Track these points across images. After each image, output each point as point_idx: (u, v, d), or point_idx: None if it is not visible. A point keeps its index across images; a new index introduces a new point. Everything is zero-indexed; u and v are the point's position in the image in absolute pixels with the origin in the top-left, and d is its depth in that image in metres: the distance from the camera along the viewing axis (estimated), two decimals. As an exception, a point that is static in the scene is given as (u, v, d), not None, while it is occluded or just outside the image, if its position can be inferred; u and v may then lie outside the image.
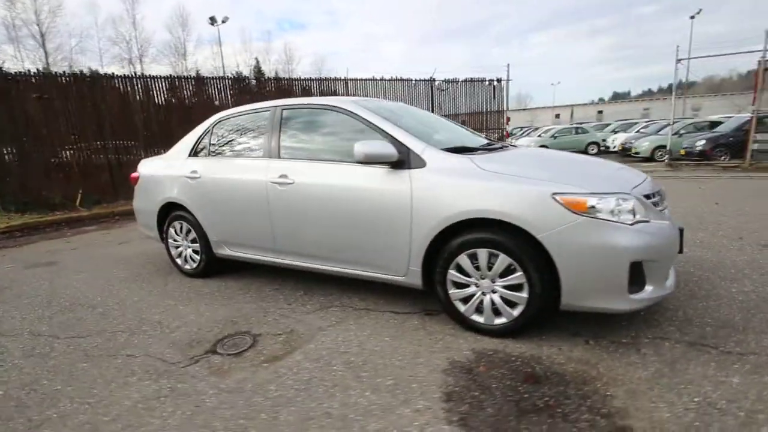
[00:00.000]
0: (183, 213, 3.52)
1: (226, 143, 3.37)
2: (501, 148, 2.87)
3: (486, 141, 3.20)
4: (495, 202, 2.11)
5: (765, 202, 5.55)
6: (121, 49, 33.08)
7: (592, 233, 1.96)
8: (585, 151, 17.32)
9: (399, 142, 2.45)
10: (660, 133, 14.75)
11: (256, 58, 40.08)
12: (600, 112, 46.75)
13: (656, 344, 2.14)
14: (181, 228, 3.58)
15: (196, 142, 3.52)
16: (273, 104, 3.13)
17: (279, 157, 2.95)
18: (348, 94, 11.14)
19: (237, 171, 3.14)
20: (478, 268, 2.25)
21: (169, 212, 3.65)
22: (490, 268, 2.22)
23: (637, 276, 1.99)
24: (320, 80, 10.80)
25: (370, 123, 2.60)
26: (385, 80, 11.56)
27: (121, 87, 8.54)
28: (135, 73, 8.95)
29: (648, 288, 2.03)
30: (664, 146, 12.36)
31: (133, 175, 3.99)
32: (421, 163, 2.38)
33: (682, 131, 13.62)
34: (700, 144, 11.42)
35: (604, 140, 17.96)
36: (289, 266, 3.07)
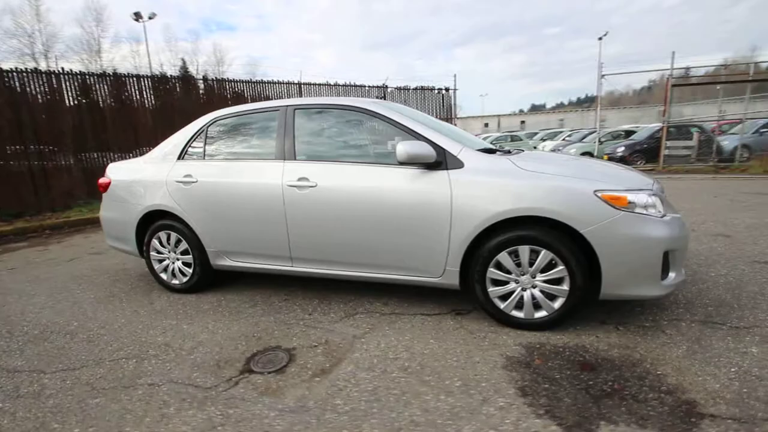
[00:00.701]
0: (171, 222, 3.17)
1: (226, 145, 3.11)
2: (516, 151, 2.99)
3: (489, 144, 3.32)
4: (542, 200, 2.20)
5: (694, 198, 6.42)
6: (22, 43, 28.93)
7: (631, 226, 2.12)
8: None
9: (433, 143, 2.46)
10: (584, 140, 16.45)
11: (183, 59, 37.47)
12: (523, 122, 50.88)
13: (675, 325, 2.37)
14: (168, 239, 3.22)
15: (187, 143, 3.20)
16: (281, 104, 2.96)
17: (294, 158, 2.79)
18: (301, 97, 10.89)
19: (243, 174, 2.91)
20: (518, 265, 2.33)
21: (151, 222, 3.27)
22: (530, 264, 2.30)
23: (665, 264, 2.20)
24: (272, 83, 10.39)
25: (400, 124, 2.57)
26: (339, 86, 11.45)
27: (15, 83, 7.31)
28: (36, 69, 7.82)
29: (671, 275, 2.25)
30: (590, 152, 13.75)
31: (102, 180, 3.51)
32: (458, 164, 2.40)
33: (602, 139, 15.28)
34: (620, 150, 12.89)
35: (535, 147, 19.50)
36: (305, 274, 2.91)
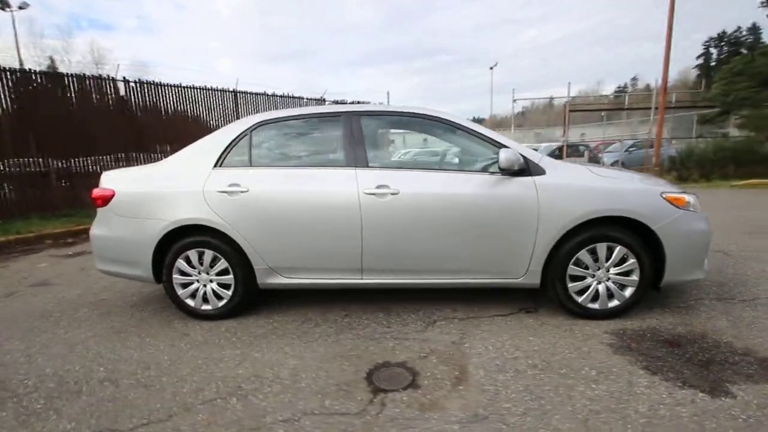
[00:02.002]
0: (205, 238, 2.76)
1: (277, 151, 2.83)
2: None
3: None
4: (622, 201, 2.50)
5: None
6: None
7: (688, 222, 2.55)
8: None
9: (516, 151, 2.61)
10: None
11: (51, 57, 31.78)
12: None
13: (702, 304, 2.86)
14: (201, 258, 2.79)
15: (226, 149, 2.82)
16: (342, 109, 2.83)
17: (367, 166, 2.68)
18: (237, 108, 10.18)
19: (307, 182, 2.68)
20: (595, 261, 2.59)
21: (175, 240, 2.80)
22: (606, 260, 2.59)
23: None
24: (205, 89, 9.50)
25: (479, 133, 2.68)
26: (276, 96, 10.99)
27: None
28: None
29: (706, 261, 2.74)
30: (504, 166, 15.44)
31: (100, 192, 2.87)
32: (540, 171, 2.59)
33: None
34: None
35: (450, 161, 21.09)
36: (376, 286, 2.78)
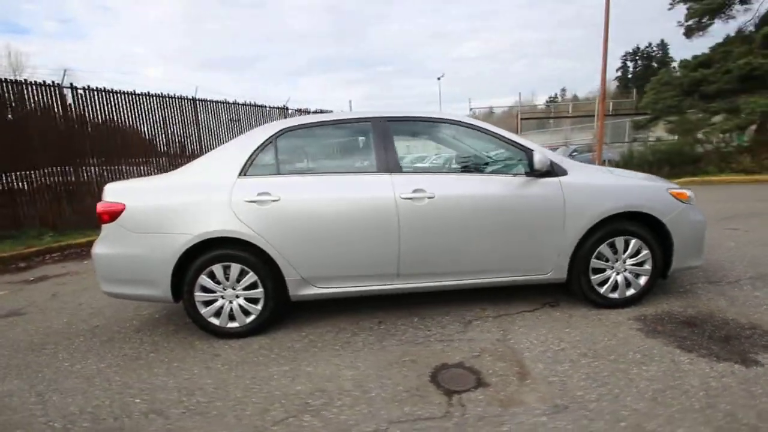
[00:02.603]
0: (232, 252, 2.61)
1: (305, 158, 2.75)
2: None
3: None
4: (637, 198, 2.74)
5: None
6: None
7: (691, 214, 2.84)
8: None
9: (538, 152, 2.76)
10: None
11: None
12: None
13: (699, 287, 3.18)
14: (226, 273, 2.63)
15: (250, 157, 2.69)
16: (369, 115, 2.81)
17: (401, 171, 2.70)
18: (197, 117, 9.67)
19: (344, 189, 2.64)
20: (614, 253, 2.80)
21: (195, 255, 2.61)
22: (623, 252, 2.80)
23: (701, 241, 2.99)
24: (161, 97, 8.90)
25: (506, 138, 2.80)
26: (238, 104, 10.58)
27: None
28: None
29: (704, 248, 3.05)
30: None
31: (106, 207, 2.60)
32: (563, 171, 2.76)
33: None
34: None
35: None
36: (411, 290, 2.79)
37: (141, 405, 2.03)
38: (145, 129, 8.71)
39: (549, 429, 1.69)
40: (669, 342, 2.36)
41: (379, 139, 2.74)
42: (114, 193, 2.69)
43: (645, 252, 2.80)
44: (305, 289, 2.70)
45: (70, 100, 7.61)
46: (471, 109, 15.33)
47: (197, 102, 9.65)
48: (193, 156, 9.59)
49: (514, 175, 2.75)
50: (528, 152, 2.73)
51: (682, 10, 13.13)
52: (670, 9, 13.49)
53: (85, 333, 2.99)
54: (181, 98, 9.34)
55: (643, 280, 2.85)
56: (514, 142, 2.80)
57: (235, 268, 2.63)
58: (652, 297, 3.00)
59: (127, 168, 8.42)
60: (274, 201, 2.59)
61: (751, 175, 9.64)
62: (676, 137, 12.22)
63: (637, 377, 2.03)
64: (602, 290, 2.83)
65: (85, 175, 7.70)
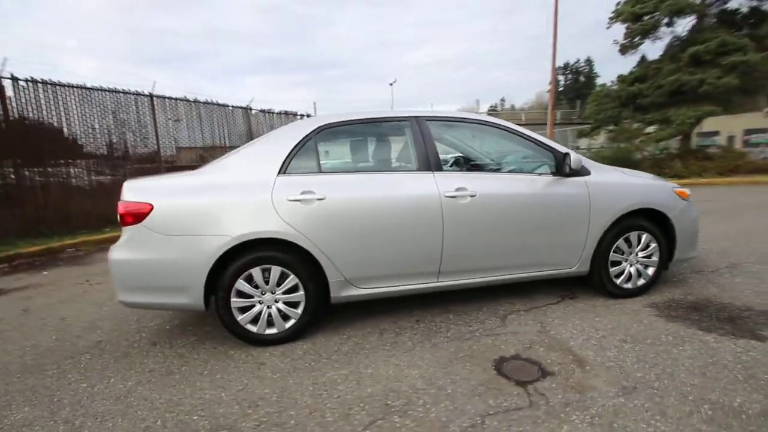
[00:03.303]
0: (272, 253, 2.47)
1: (345, 156, 2.68)
2: None
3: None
4: (649, 196, 3.00)
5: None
6: None
7: (690, 211, 3.16)
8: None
9: (565, 154, 2.93)
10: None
11: None
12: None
13: (689, 277, 3.54)
14: (265, 276, 2.49)
15: (290, 154, 2.56)
16: (406, 114, 2.80)
17: (441, 169, 2.72)
18: (154, 113, 8.98)
19: (385, 187, 2.61)
20: (629, 246, 3.05)
21: (231, 258, 2.44)
22: (636, 245, 3.06)
23: (693, 234, 3.34)
24: (115, 92, 8.13)
25: (536, 140, 2.94)
26: (199, 102, 9.96)
27: None
28: None
29: (698, 241, 3.41)
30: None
31: (131, 207, 2.34)
32: (587, 171, 2.95)
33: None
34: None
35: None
36: (451, 288, 2.82)
37: (202, 422, 1.86)
38: (97, 127, 7.93)
39: (630, 408, 1.81)
40: (688, 325, 2.62)
41: (419, 138, 2.75)
42: (137, 191, 2.44)
43: (653, 245, 3.08)
44: (347, 291, 2.63)
45: (10, 92, 6.74)
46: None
47: (154, 98, 8.97)
48: (155, 156, 8.92)
49: (545, 174, 2.90)
50: (556, 153, 2.89)
51: (617, 29, 14.58)
52: (608, 28, 14.88)
53: (90, 350, 2.67)
54: (137, 94, 8.63)
55: (651, 271, 3.13)
56: (542, 143, 2.95)
57: (276, 271, 2.50)
58: (655, 287, 3.30)
59: (78, 171, 7.63)
60: (318, 200, 2.50)
61: (682, 179, 10.89)
62: (616, 145, 13.44)
63: (679, 357, 2.23)
64: (618, 281, 3.07)
65: (23, 177, 6.84)
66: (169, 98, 9.33)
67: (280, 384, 2.14)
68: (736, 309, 2.83)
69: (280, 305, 2.55)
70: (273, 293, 2.53)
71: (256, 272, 2.48)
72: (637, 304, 3.00)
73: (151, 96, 8.91)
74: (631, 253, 3.07)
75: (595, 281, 3.08)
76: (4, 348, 2.78)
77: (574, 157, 2.78)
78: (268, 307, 2.54)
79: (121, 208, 2.38)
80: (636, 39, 13.88)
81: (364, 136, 2.85)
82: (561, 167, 2.87)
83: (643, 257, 3.09)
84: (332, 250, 2.53)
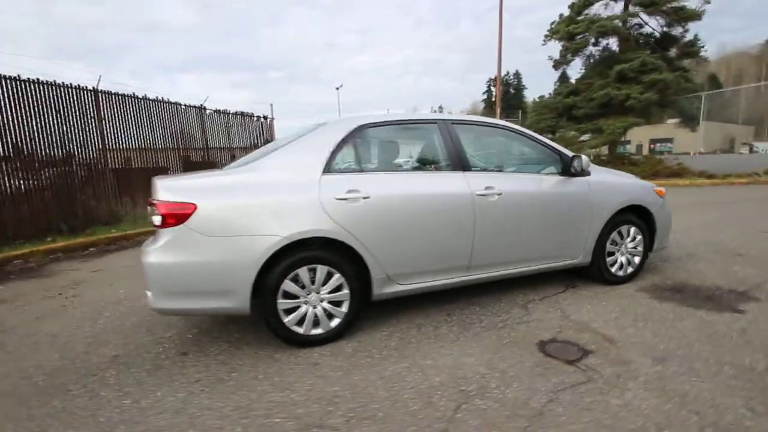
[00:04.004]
0: (319, 254, 2.46)
1: (383, 155, 2.73)
2: None
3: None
4: (637, 193, 3.42)
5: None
6: None
7: (666, 206, 3.65)
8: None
9: (570, 156, 3.25)
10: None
11: None
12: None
13: (658, 264, 4.06)
14: (312, 277, 2.47)
15: (332, 153, 2.56)
16: (435, 117, 2.94)
17: (470, 169, 2.89)
18: (99, 109, 8.19)
19: (426, 186, 2.72)
20: (621, 238, 3.45)
21: (278, 258, 2.40)
22: (626, 238, 3.47)
23: (664, 227, 3.85)
24: (54, 86, 7.26)
25: (546, 143, 3.22)
26: (149, 100, 9.25)
27: None
28: None
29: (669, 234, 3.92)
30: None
31: (175, 208, 2.20)
32: (588, 173, 3.30)
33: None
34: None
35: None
36: (478, 281, 2.98)
37: (287, 423, 1.82)
38: (35, 125, 7.05)
39: (670, 373, 2.09)
40: (679, 304, 3.03)
41: (448, 139, 2.90)
42: (177, 191, 2.30)
43: (639, 237, 3.51)
44: (388, 288, 2.69)
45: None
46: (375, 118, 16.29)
47: (99, 94, 8.19)
48: (98, 158, 8.13)
49: (553, 174, 3.19)
50: (563, 156, 3.20)
51: (552, 46, 16.01)
52: (543, 45, 16.27)
53: (110, 365, 2.44)
54: (79, 88, 7.82)
55: (637, 260, 3.56)
56: (552, 146, 3.25)
57: (322, 270, 2.49)
58: (639, 274, 3.75)
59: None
60: (364, 198, 2.54)
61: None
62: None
63: (685, 330, 2.59)
64: (613, 270, 3.45)
65: None
66: (116, 94, 8.57)
67: (346, 381, 2.15)
68: (708, 289, 3.32)
69: (326, 305, 2.54)
70: (318, 293, 2.51)
71: (302, 272, 2.45)
72: (629, 289, 3.40)
73: (95, 91, 8.12)
74: (622, 245, 3.47)
75: (594, 271, 3.43)
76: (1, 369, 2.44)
77: (585, 160, 3.11)
78: (314, 307, 2.52)
79: (162, 209, 2.23)
80: (569, 56, 15.35)
81: (400, 136, 2.93)
82: (567, 168, 3.18)
83: (632, 248, 3.52)
84: (377, 247, 2.58)
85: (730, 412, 1.77)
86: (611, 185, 3.39)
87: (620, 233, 3.43)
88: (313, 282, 2.49)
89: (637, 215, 3.49)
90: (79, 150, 7.74)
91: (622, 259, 3.49)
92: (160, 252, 2.26)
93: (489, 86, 79.10)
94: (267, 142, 12.68)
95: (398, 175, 2.76)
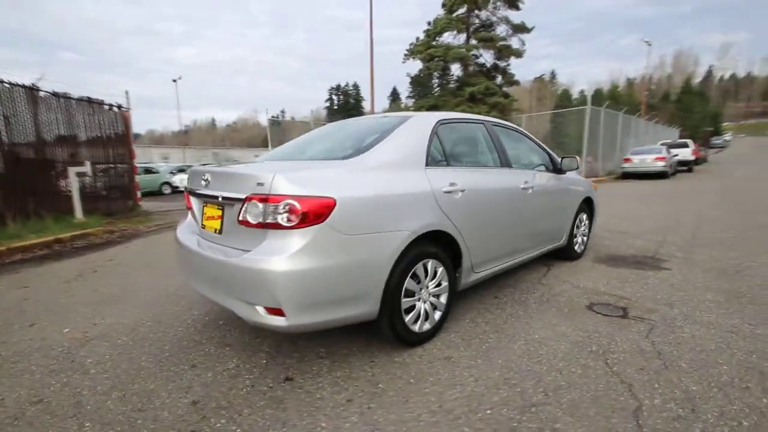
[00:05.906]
0: (431, 248, 2.43)
1: (456, 151, 2.82)
2: None
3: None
4: (588, 187, 4.40)
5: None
6: None
7: (595, 197, 4.78)
8: (160, 191, 17.10)
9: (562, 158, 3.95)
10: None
11: None
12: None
13: (590, 240, 5.25)
14: (426, 271, 2.42)
15: (428, 147, 2.52)
16: (480, 118, 3.21)
17: (510, 166, 3.25)
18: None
19: (494, 180, 2.98)
20: (581, 222, 4.38)
21: (404, 254, 2.28)
22: (581, 222, 4.42)
23: (590, 214, 5.03)
24: None
25: (540, 145, 3.85)
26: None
27: None
28: None
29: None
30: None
31: (313, 203, 1.84)
32: (563, 171, 4.07)
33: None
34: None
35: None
36: (518, 264, 3.37)
37: (503, 411, 1.82)
38: None
39: (688, 311, 2.88)
40: (628, 268, 4.06)
41: (488, 138, 3.21)
42: (306, 184, 1.93)
43: (587, 222, 4.52)
44: (469, 277, 2.83)
45: None
46: (270, 117, 15.06)
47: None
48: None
49: (550, 171, 3.85)
50: (553, 157, 3.90)
51: (411, 63, 17.96)
52: (404, 62, 18.12)
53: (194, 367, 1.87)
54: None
55: (585, 239, 4.57)
56: (546, 149, 3.91)
57: (433, 265, 2.46)
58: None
59: None
60: (461, 192, 2.62)
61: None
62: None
63: (657, 282, 3.53)
64: (576, 247, 4.35)
65: None
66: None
67: (497, 363, 2.23)
68: (631, 257, 4.52)
69: (430, 302, 2.52)
70: (429, 288, 2.48)
71: (419, 268, 2.38)
72: (588, 261, 4.34)
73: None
74: (581, 227, 4.41)
75: (568, 250, 4.25)
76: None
77: (576, 161, 3.86)
78: (424, 302, 2.47)
79: (302, 206, 1.86)
80: (432, 73, 17.54)
81: (465, 133, 3.08)
82: (557, 167, 3.89)
83: (583, 230, 4.50)
84: (469, 238, 2.69)
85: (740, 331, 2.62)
86: (577, 181, 4.28)
87: (580, 219, 4.35)
88: (426, 277, 2.44)
89: (587, 204, 4.49)
90: None
91: (579, 239, 4.43)
92: (296, 257, 1.87)
93: (331, 95, 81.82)
94: (120, 135, 10.34)
95: (474, 170, 2.93)
